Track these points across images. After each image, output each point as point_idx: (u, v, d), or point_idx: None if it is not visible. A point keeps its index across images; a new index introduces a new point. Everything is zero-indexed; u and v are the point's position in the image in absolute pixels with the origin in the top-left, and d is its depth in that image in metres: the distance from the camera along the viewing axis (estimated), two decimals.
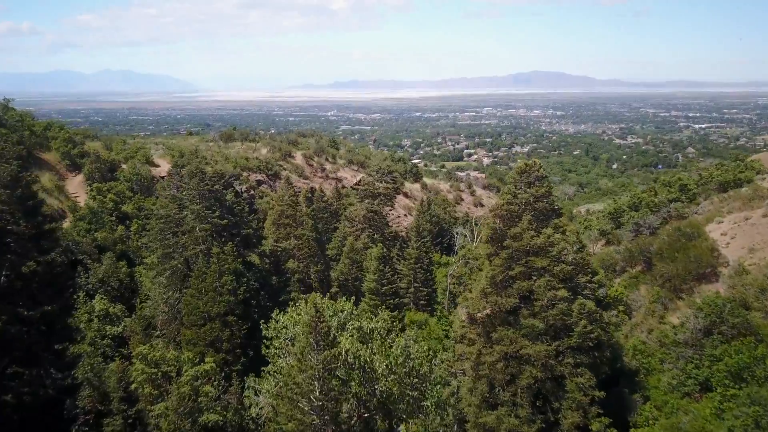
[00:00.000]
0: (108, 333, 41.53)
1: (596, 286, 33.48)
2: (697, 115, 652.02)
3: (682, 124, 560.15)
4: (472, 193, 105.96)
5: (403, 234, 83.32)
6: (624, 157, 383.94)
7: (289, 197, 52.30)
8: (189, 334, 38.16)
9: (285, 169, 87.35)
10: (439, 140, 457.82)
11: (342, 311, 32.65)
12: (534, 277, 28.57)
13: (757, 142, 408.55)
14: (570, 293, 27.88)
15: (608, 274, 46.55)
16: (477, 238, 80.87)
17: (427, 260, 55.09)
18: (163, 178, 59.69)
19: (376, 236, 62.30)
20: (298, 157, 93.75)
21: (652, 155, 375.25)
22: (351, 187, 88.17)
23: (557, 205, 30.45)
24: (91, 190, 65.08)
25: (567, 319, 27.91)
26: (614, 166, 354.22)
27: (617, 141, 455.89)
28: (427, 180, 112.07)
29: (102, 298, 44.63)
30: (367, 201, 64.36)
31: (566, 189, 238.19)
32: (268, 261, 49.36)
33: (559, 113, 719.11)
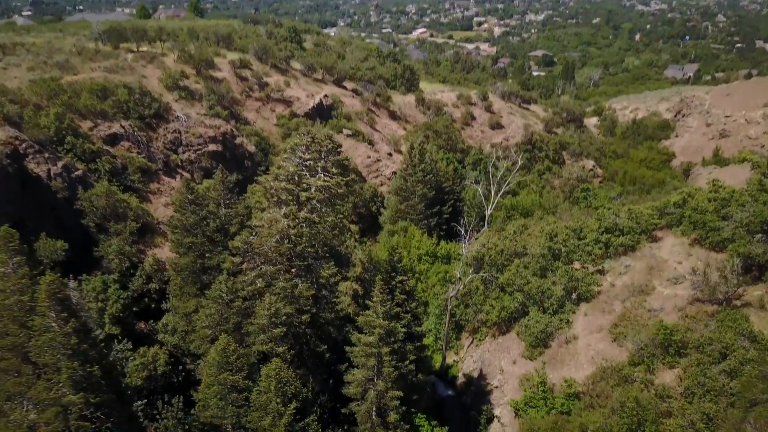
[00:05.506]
0: None
1: None
2: None
3: None
4: (488, 108, 75.11)
5: (385, 191, 55.04)
6: (648, 26, 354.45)
7: None
8: None
9: (188, 96, 52.36)
10: (447, 6, 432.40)
11: None
12: None
13: None
14: None
15: None
16: (495, 197, 52.99)
17: (406, 333, 27.58)
18: None
19: (302, 298, 27.24)
20: (225, 67, 60.63)
21: (679, 25, 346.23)
22: (304, 115, 56.59)
23: None
24: None
25: None
26: (637, 37, 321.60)
27: (640, 7, 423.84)
28: (425, 86, 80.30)
29: None
30: (286, 209, 28.18)
31: (591, 72, 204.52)
32: None
33: None
